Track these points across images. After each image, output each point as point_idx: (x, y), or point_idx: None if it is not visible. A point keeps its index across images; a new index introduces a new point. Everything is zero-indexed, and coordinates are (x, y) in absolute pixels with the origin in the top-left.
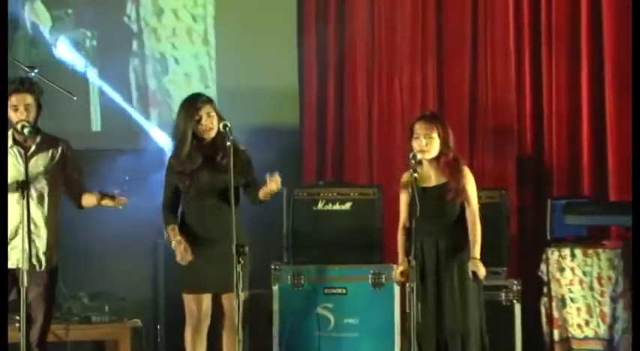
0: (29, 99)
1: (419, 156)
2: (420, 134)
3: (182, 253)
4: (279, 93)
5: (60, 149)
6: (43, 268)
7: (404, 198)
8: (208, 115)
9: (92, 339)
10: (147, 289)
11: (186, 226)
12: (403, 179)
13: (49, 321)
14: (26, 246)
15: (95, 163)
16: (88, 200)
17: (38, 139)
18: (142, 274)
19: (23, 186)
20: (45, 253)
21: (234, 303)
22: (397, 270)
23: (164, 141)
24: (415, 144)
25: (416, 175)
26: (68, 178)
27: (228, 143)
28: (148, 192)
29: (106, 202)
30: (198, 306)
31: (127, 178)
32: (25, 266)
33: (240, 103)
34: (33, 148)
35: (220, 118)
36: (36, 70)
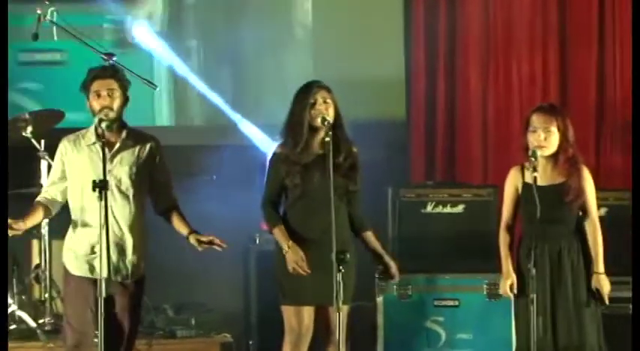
0: (113, 84)
1: (537, 152)
2: (538, 127)
3: (298, 261)
4: (385, 84)
5: (148, 146)
6: (129, 278)
7: (510, 194)
8: (324, 100)
9: None
10: (237, 300)
11: (289, 230)
12: (511, 174)
13: (135, 336)
14: (105, 251)
15: (185, 160)
16: (178, 227)
17: (124, 134)
18: (232, 283)
19: (101, 185)
20: (131, 262)
21: (335, 316)
22: (506, 282)
23: (260, 139)
24: (532, 138)
25: (536, 173)
26: (153, 180)
27: (327, 139)
28: (237, 193)
29: (195, 242)
30: (299, 319)
31: (214, 177)
32: (104, 274)
33: (343, 95)
34: (117, 144)
35: (337, 112)
36: (114, 58)
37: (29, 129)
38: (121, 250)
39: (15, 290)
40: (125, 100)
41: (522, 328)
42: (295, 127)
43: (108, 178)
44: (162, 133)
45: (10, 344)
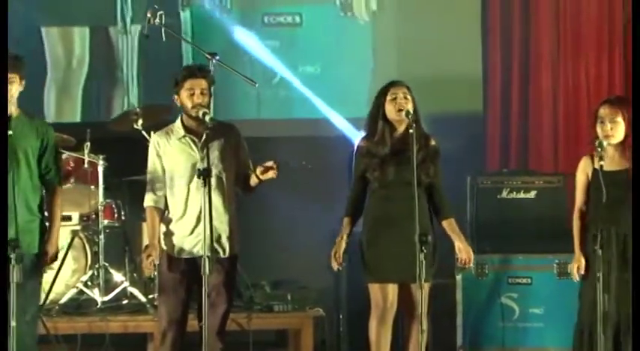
0: (205, 84)
1: (604, 143)
2: (606, 119)
3: (334, 253)
4: (464, 81)
5: (232, 134)
6: (226, 254)
7: (581, 181)
8: (405, 96)
9: (274, 328)
10: (328, 277)
11: (372, 215)
12: (582, 162)
13: (230, 309)
14: (208, 233)
15: (274, 150)
16: (252, 180)
17: (210, 124)
18: (323, 262)
19: (205, 173)
20: (228, 239)
21: (418, 293)
22: (574, 265)
23: (346, 128)
24: (600, 129)
25: (602, 163)
26: (239, 162)
27: (411, 131)
28: (327, 177)
29: (261, 175)
30: (383, 296)
31: (303, 163)
32: (209, 253)
33: (425, 91)
34: (206, 134)
35: (415, 109)
36: (217, 57)
37: (140, 122)
38: (219, 229)
39: (127, 269)
40: (210, 98)
41: (585, 306)
42: (376, 121)
43: (205, 165)
44: (259, 125)
45: (123, 317)
